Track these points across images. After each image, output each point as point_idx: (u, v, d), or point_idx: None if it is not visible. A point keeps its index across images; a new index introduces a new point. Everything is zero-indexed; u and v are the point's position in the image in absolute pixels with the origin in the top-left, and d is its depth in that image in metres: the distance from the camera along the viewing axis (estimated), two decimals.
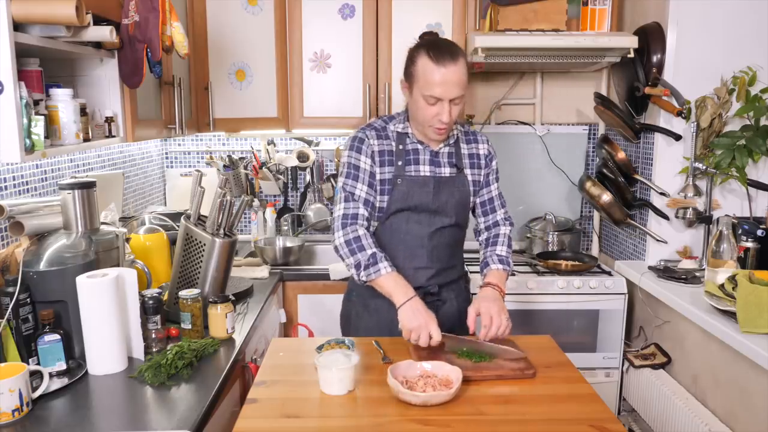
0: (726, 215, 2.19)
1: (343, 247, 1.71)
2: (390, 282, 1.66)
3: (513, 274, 1.90)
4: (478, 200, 1.90)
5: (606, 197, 2.69)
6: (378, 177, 1.77)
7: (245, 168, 3.08)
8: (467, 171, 1.84)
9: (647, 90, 2.46)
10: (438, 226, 1.80)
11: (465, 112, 2.98)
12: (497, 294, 1.71)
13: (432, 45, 1.68)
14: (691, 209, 2.45)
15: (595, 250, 3.09)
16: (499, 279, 1.78)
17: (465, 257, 2.00)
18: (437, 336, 1.57)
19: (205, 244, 1.85)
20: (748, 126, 2.36)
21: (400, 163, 1.78)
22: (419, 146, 1.80)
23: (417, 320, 1.58)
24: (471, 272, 2.38)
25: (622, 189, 2.67)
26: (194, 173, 2.04)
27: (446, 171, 1.81)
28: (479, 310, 1.66)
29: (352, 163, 1.78)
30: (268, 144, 3.09)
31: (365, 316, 1.87)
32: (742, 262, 2.21)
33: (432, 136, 1.76)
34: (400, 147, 1.79)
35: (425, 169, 1.79)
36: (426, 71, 1.65)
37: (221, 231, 1.86)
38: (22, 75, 1.49)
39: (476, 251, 1.99)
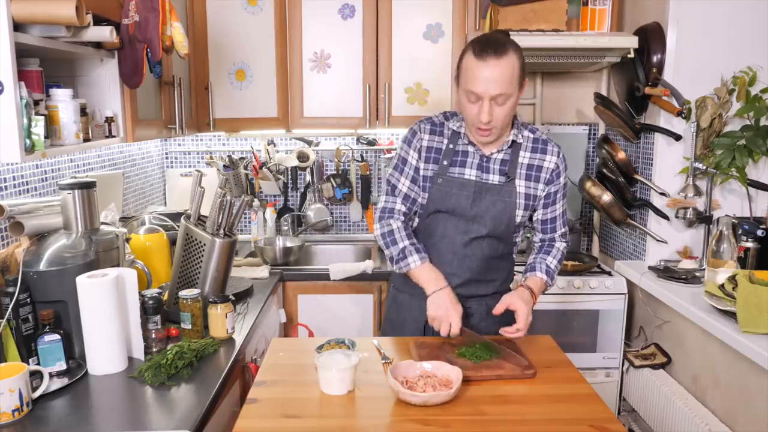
0: (726, 215, 2.19)
1: (380, 239, 1.76)
2: (422, 274, 1.70)
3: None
4: (539, 217, 1.79)
5: (606, 197, 2.69)
6: (422, 173, 1.75)
7: (245, 168, 3.08)
8: (518, 182, 1.72)
9: (647, 90, 2.45)
10: (474, 235, 1.73)
11: None
12: (532, 302, 1.68)
13: (480, 39, 1.60)
14: (691, 209, 2.45)
15: (595, 250, 3.09)
16: (539, 288, 1.73)
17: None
18: (456, 328, 1.61)
19: (205, 244, 1.85)
20: (748, 126, 2.36)
21: (445, 162, 1.72)
22: (470, 148, 1.72)
23: (440, 310, 1.63)
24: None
25: (622, 189, 2.67)
26: (194, 173, 2.04)
27: (494, 178, 1.71)
28: (515, 307, 1.63)
29: (401, 156, 1.77)
30: (268, 144, 3.09)
31: (393, 309, 1.90)
32: (742, 262, 2.21)
33: (477, 138, 1.68)
34: (450, 146, 1.72)
35: (470, 173, 1.71)
36: (468, 66, 1.58)
37: (221, 231, 1.86)
38: (22, 75, 1.49)
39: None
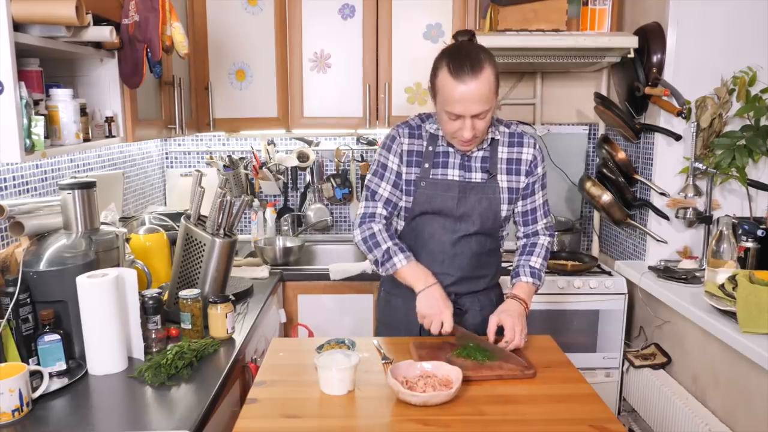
0: (726, 215, 2.19)
1: (361, 244, 1.75)
2: (409, 272, 1.69)
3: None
4: (519, 209, 1.80)
5: (606, 197, 2.69)
6: (404, 177, 1.74)
7: (245, 168, 3.08)
8: (501, 177, 1.74)
9: (647, 90, 2.45)
10: (462, 233, 1.74)
11: None
12: (522, 309, 1.68)
13: (453, 55, 1.57)
14: (691, 209, 2.45)
15: (595, 250, 3.09)
16: (527, 293, 1.74)
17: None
18: (448, 326, 1.60)
19: (205, 244, 1.85)
20: (749, 126, 2.36)
21: (426, 165, 1.72)
22: (450, 149, 1.73)
23: (431, 308, 1.62)
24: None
25: (622, 189, 2.67)
26: (194, 173, 2.04)
27: (477, 176, 1.73)
28: (502, 323, 1.63)
29: (381, 161, 1.77)
30: (268, 144, 3.09)
31: (387, 311, 1.89)
32: (742, 262, 2.21)
33: (458, 148, 1.70)
34: (430, 148, 1.73)
35: (453, 174, 1.72)
36: (445, 86, 1.56)
37: (221, 231, 1.86)
38: (22, 75, 1.49)
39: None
